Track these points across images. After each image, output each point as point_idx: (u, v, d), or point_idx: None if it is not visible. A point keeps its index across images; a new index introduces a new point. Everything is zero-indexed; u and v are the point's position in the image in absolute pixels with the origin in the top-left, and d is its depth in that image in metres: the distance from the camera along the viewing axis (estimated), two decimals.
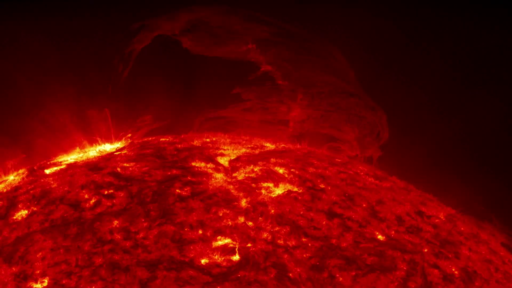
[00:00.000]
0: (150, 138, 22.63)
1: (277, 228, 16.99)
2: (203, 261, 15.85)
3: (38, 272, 15.70)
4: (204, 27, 26.10)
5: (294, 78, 25.56)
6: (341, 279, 15.97)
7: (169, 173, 18.76)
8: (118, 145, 22.04)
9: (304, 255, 16.42)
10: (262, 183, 18.63)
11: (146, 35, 25.96)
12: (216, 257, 16.00)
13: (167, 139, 22.21)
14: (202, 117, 25.22)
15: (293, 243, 16.71)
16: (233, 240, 16.44)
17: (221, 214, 17.10)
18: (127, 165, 19.32)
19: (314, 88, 25.51)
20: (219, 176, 18.81)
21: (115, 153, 20.54)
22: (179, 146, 21.00)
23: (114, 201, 17.62)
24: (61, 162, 20.51)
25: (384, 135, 25.42)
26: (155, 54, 26.29)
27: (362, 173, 21.25)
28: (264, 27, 26.09)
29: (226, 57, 25.90)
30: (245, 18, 26.09)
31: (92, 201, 17.67)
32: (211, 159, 19.73)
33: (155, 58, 26.19)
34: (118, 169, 19.12)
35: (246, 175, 19.04)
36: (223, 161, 19.84)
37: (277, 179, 18.90)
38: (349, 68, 25.91)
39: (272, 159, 20.18)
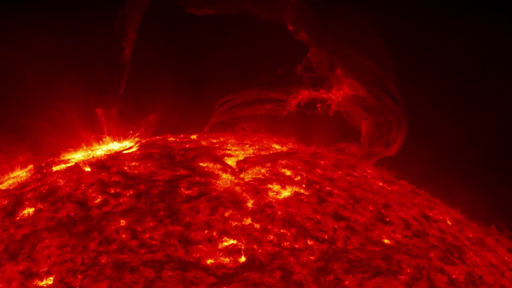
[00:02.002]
0: (157, 138, 22.63)
1: (283, 230, 16.98)
2: (209, 261, 15.85)
3: (43, 270, 15.73)
4: None
5: (328, 60, 24.94)
6: (346, 282, 15.95)
7: (176, 173, 18.76)
8: (125, 144, 22.07)
9: (310, 258, 16.40)
10: (269, 185, 18.62)
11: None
12: (222, 258, 15.99)
13: (175, 139, 22.24)
14: (210, 116, 25.18)
15: (299, 245, 16.68)
16: (239, 241, 16.44)
17: (227, 215, 17.09)
18: (135, 164, 19.35)
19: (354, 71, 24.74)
20: (226, 177, 18.81)
21: (123, 152, 20.58)
22: (187, 146, 21.01)
23: (121, 200, 17.65)
24: (68, 160, 20.55)
25: (392, 148, 25.12)
26: (163, 53, 26.33)
27: (369, 176, 21.20)
28: None
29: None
30: None
31: (99, 199, 17.71)
32: (218, 159, 19.71)
33: (162, 56, 26.22)
34: (126, 168, 19.14)
35: (253, 176, 19.04)
36: (231, 161, 19.83)
37: (284, 181, 18.88)
38: (390, 65, 25.26)
39: (279, 160, 20.15)
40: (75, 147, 21.84)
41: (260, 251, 16.24)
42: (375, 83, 24.87)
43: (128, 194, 17.85)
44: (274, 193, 18.31)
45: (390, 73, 24.82)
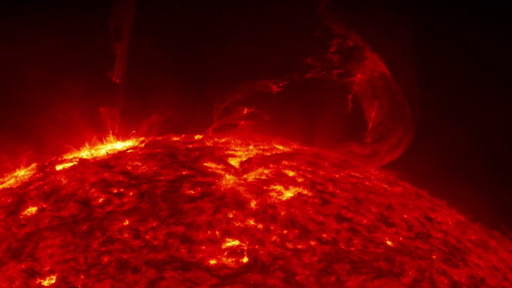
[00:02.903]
0: (161, 138, 22.66)
1: (285, 231, 16.96)
2: (211, 262, 15.84)
3: (46, 269, 15.70)
4: None
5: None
6: (349, 283, 15.91)
7: (179, 173, 18.77)
8: (129, 143, 22.08)
9: (313, 259, 16.38)
10: (272, 186, 18.60)
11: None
12: (225, 258, 15.97)
13: (178, 139, 22.26)
14: (213, 116, 25.18)
15: (302, 246, 16.67)
16: (241, 242, 16.42)
17: (230, 216, 17.08)
18: (138, 164, 19.35)
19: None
20: (230, 177, 18.80)
21: (126, 152, 20.58)
22: (190, 146, 21.02)
23: (124, 200, 17.64)
24: (71, 159, 20.56)
25: (394, 151, 25.01)
26: (164, 52, 26.31)
27: (372, 178, 21.18)
28: None
29: None
30: None
31: (102, 199, 17.69)
32: (222, 160, 19.72)
33: (163, 56, 26.20)
34: (129, 167, 19.14)
35: (257, 177, 19.03)
36: (234, 162, 19.83)
37: (287, 182, 18.87)
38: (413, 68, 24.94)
39: (282, 161, 20.16)
40: (78, 146, 21.86)
41: (262, 252, 16.21)
42: (396, 82, 24.75)
43: (131, 194, 17.84)
44: (277, 194, 18.31)
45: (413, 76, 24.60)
